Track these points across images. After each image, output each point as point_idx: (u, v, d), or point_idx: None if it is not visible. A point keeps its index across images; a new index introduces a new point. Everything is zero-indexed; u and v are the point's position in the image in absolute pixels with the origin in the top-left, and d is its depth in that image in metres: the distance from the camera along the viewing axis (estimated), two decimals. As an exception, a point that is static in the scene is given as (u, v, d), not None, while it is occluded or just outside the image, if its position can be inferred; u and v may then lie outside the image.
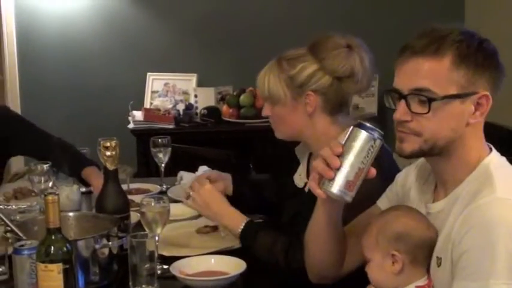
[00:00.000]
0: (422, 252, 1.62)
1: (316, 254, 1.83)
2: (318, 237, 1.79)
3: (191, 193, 2.27)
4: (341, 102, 2.15)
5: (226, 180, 2.47)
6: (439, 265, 1.59)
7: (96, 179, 2.69)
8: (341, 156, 1.54)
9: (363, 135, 1.54)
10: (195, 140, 4.21)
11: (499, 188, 1.51)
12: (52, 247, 1.61)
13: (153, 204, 2.03)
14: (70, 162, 2.76)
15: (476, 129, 1.60)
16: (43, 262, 1.61)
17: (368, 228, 1.69)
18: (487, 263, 1.44)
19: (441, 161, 1.62)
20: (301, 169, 2.31)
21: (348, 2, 4.94)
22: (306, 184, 2.22)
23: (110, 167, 2.09)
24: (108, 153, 2.07)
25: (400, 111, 1.58)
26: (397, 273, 1.63)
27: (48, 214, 1.61)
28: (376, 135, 1.54)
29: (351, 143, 1.55)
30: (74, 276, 1.66)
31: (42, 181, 2.53)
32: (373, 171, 1.57)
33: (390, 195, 1.84)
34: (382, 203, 1.84)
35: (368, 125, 1.55)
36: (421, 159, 1.75)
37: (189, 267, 2.00)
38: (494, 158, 1.61)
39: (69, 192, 2.47)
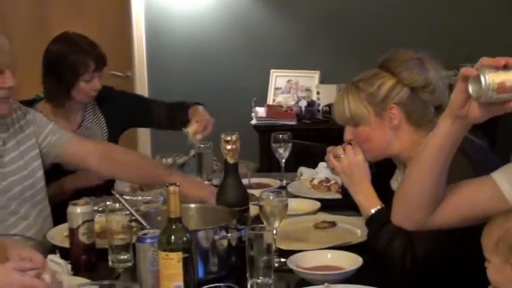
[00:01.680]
0: None
1: (415, 185, 1.78)
2: (425, 163, 1.74)
3: (341, 155, 2.25)
4: (423, 113, 2.14)
5: None
6: None
7: (198, 115, 2.95)
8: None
9: None
10: (316, 136, 4.21)
11: None
12: (173, 236, 1.67)
13: (271, 198, 2.06)
14: (177, 114, 3.01)
15: None
16: (164, 250, 1.67)
17: (489, 228, 1.65)
18: None
19: None
20: (398, 174, 2.29)
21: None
22: None
23: (230, 160, 2.13)
24: (228, 147, 2.11)
25: None
26: None
27: (169, 204, 1.67)
28: None
29: None
30: (193, 265, 1.71)
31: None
32: None
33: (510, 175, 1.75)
34: (500, 178, 1.76)
35: None
36: None
37: (305, 261, 2.01)
38: None
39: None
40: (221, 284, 1.47)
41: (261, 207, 2.07)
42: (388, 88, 2.13)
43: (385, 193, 2.26)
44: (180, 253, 1.66)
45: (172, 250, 1.66)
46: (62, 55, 2.90)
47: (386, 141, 2.18)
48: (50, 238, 2.32)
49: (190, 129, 2.91)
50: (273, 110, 4.60)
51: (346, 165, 2.23)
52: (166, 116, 3.17)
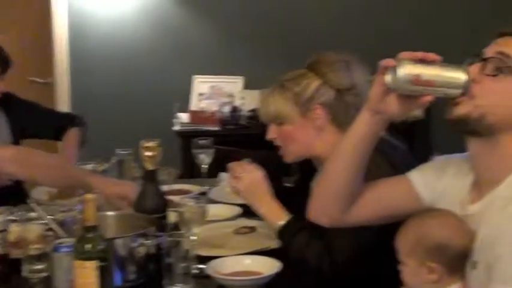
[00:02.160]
0: (460, 262, 1.61)
1: (331, 179, 1.78)
2: (342, 157, 1.74)
3: (241, 174, 2.27)
4: (346, 115, 2.16)
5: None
6: (474, 268, 1.58)
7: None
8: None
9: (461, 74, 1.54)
10: (240, 142, 4.22)
11: None
12: (88, 244, 1.65)
13: (190, 204, 2.06)
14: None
15: None
16: (79, 259, 1.65)
17: (404, 231, 1.68)
18: None
19: (486, 150, 1.59)
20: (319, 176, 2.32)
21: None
22: None
23: (150, 167, 2.12)
24: (147, 153, 2.10)
25: (474, 69, 1.56)
26: (433, 282, 1.62)
27: (85, 212, 1.65)
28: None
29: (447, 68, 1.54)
30: (110, 274, 1.69)
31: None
32: (430, 98, 1.54)
33: (427, 175, 1.78)
34: (415, 177, 1.79)
35: None
36: (462, 156, 1.73)
37: (224, 267, 2.02)
38: None
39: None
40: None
41: (180, 213, 2.06)
42: (314, 89, 2.15)
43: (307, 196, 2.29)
44: (96, 262, 1.64)
45: (87, 259, 1.64)
46: None
47: (309, 141, 2.20)
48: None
49: None
50: (196, 115, 4.59)
51: (248, 184, 2.25)
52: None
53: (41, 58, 5.12)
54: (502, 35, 1.61)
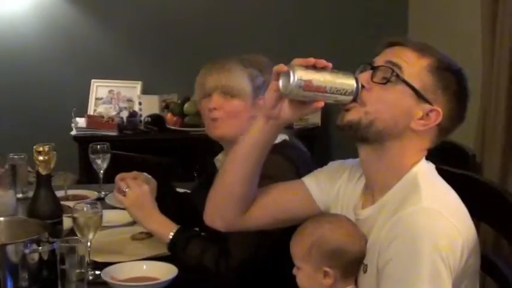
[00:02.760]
0: (355, 266, 1.65)
1: (226, 182, 1.79)
2: (236, 161, 1.76)
3: (126, 190, 2.23)
4: None
5: (153, 185, 2.36)
6: (364, 271, 1.62)
7: None
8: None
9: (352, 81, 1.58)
10: (138, 147, 4.20)
11: (424, 197, 1.53)
12: (-24, 251, 1.59)
13: (85, 209, 2.02)
14: None
15: (418, 139, 1.62)
16: (-33, 266, 1.59)
17: (300, 236, 1.70)
18: (411, 272, 1.46)
19: (374, 157, 1.63)
20: (223, 153, 2.32)
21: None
22: None
23: (43, 171, 2.07)
24: (41, 157, 2.05)
25: (364, 76, 1.61)
26: (328, 286, 1.65)
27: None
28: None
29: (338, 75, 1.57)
30: (0, 281, 1.63)
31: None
32: (322, 104, 1.57)
33: (321, 180, 1.82)
34: (310, 182, 1.83)
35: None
36: (355, 162, 1.77)
37: (121, 273, 1.99)
38: (423, 166, 1.63)
39: (3, 195, 2.44)
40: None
41: (74, 218, 2.03)
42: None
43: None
44: (-15, 269, 1.58)
45: (-24, 266, 1.58)
46: None
47: (244, 125, 2.11)
48: None
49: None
50: (93, 120, 4.52)
51: (134, 198, 2.21)
52: None
53: None
54: (391, 44, 1.67)
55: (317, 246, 1.64)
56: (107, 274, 1.96)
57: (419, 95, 1.58)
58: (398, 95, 1.59)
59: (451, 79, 1.62)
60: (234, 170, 1.77)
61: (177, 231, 2.12)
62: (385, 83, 1.58)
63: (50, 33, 4.84)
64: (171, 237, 2.11)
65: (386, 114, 1.59)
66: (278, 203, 1.83)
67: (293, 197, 1.83)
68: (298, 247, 1.69)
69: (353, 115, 1.60)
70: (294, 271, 1.70)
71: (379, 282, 1.52)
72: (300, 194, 1.82)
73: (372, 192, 1.67)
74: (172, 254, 2.12)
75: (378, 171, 1.65)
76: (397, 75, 1.58)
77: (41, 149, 2.05)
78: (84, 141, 4.30)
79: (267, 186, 1.85)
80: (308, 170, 1.91)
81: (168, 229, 2.13)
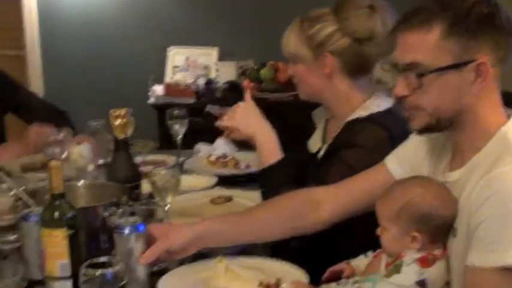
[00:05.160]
0: (444, 231, 1.58)
1: None
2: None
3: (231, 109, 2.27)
4: (361, 66, 2.12)
5: None
6: (454, 235, 1.55)
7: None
8: None
9: None
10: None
11: None
12: (56, 213, 1.60)
13: (163, 172, 2.01)
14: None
15: (486, 97, 1.53)
16: (48, 228, 1.60)
17: (388, 196, 1.64)
18: (506, 233, 1.39)
19: (456, 132, 1.57)
20: (317, 133, 2.29)
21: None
22: (319, 149, 2.23)
23: (120, 136, 2.07)
24: (117, 122, 2.05)
25: (398, 87, 1.55)
26: (415, 249, 1.59)
27: (51, 180, 1.60)
28: None
29: None
30: (79, 242, 1.64)
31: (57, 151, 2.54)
32: None
33: (402, 159, 1.79)
34: (392, 163, 1.81)
35: None
36: None
37: None
38: None
39: (81, 149, 2.46)
40: (100, 258, 1.41)
41: (153, 182, 2.02)
42: (327, 34, 2.10)
43: (302, 157, 2.27)
44: (65, 230, 1.59)
45: (56, 227, 1.59)
46: None
47: (319, 86, 2.16)
48: None
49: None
50: (171, 88, 4.54)
51: (240, 111, 2.24)
52: (43, 116, 3.02)
53: (12, 32, 5.03)
54: (396, 24, 1.56)
55: (406, 210, 1.58)
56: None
57: (456, 66, 1.49)
58: (440, 83, 1.50)
59: (469, 22, 1.49)
60: None
61: (276, 163, 2.13)
62: (420, 87, 1.51)
63: (128, 1, 4.88)
64: (270, 164, 2.13)
65: (445, 104, 1.52)
66: (365, 193, 1.83)
67: (377, 184, 1.79)
68: (385, 208, 1.63)
69: (420, 121, 1.56)
70: (379, 231, 1.65)
71: (470, 245, 1.46)
72: (382, 179, 1.79)
73: (461, 154, 1.60)
74: (260, 177, 2.16)
75: (462, 141, 1.58)
76: (421, 74, 1.50)
77: (117, 113, 2.05)
78: (162, 109, 4.31)
79: (350, 179, 1.86)
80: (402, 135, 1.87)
81: (273, 154, 2.16)
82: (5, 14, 5.03)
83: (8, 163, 2.71)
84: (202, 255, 1.85)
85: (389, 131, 2.01)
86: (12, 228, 1.94)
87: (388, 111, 2.09)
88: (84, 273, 1.35)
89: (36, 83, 4.97)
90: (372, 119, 2.05)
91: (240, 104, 2.25)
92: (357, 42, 2.08)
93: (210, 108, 2.53)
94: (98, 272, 1.34)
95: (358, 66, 2.12)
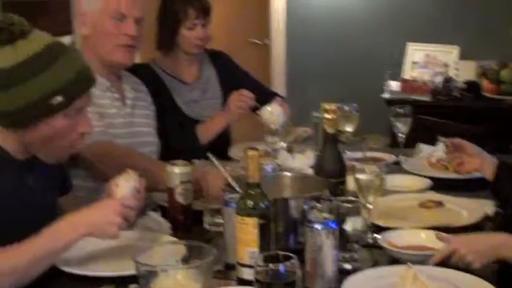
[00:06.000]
0: None
1: None
2: None
3: None
4: None
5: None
6: None
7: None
8: None
9: None
10: (450, 114, 4.06)
11: None
12: (250, 201, 1.64)
13: (366, 170, 1.99)
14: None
15: None
16: (241, 215, 1.65)
17: None
18: None
19: None
20: None
21: None
22: None
23: (329, 130, 2.08)
24: (328, 116, 2.06)
25: None
26: None
27: (248, 169, 1.65)
28: None
29: None
30: (270, 232, 1.67)
31: (276, 141, 2.61)
32: None
33: None
34: None
35: None
36: None
37: (399, 239, 1.93)
38: None
39: (272, 108, 2.49)
40: (279, 252, 1.42)
41: (356, 179, 2.01)
42: None
43: None
44: (256, 219, 1.63)
45: (248, 215, 1.64)
46: (168, 3, 3.07)
47: None
48: (154, 196, 2.35)
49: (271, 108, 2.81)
50: (407, 84, 4.47)
51: None
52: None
53: (259, 20, 5.24)
54: None
55: None
56: (384, 239, 1.91)
57: None
58: None
59: None
60: None
61: None
62: None
63: (371, -5, 4.90)
64: None
65: None
66: None
67: None
68: None
69: None
70: None
71: None
72: None
73: None
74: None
75: None
76: None
77: (327, 107, 2.06)
78: (395, 105, 4.27)
79: None
80: None
81: None
82: (256, 4, 5.25)
83: (234, 146, 2.86)
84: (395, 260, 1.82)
85: None
86: (220, 211, 2.04)
87: None
88: (258, 264, 1.38)
89: (279, 70, 5.15)
90: None
91: None
92: None
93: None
94: (271, 265, 1.35)
95: None
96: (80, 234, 1.71)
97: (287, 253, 1.39)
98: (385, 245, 1.89)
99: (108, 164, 2.28)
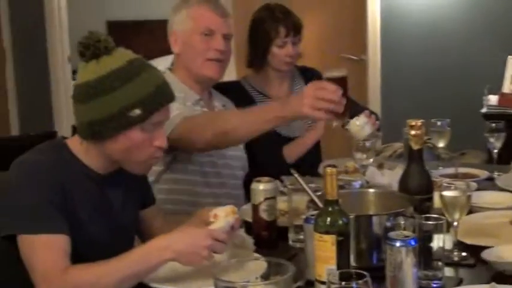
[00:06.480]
0: None
1: None
2: None
3: None
4: None
5: None
6: None
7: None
8: None
9: None
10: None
11: None
12: (328, 218, 1.64)
13: (452, 187, 1.95)
14: None
15: None
16: (319, 232, 1.65)
17: None
18: None
19: None
20: None
21: None
22: None
23: (414, 146, 2.05)
24: (413, 132, 2.03)
25: None
26: None
27: (326, 186, 1.64)
28: None
29: None
30: (348, 249, 1.67)
31: (365, 157, 2.59)
32: None
33: None
34: None
35: None
36: None
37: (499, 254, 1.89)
38: None
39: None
40: (353, 270, 1.41)
41: (441, 196, 1.97)
42: None
43: None
44: (334, 236, 1.62)
45: (326, 232, 1.63)
46: (259, 22, 3.10)
47: None
48: (240, 212, 2.37)
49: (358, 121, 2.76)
50: (506, 98, 4.34)
51: None
52: None
53: (356, 37, 5.22)
54: None
55: None
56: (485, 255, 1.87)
57: None
58: None
59: None
60: None
61: None
62: None
63: (469, 7, 4.80)
64: None
65: None
66: None
67: None
68: None
69: None
70: None
71: None
72: None
73: None
74: None
75: None
76: None
77: (413, 123, 2.03)
78: (493, 119, 4.16)
79: None
80: None
81: None
82: (351, 19, 5.24)
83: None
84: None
85: None
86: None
87: None
88: (330, 281, 1.37)
89: (375, 85, 5.12)
90: None
91: None
92: None
93: None
94: (343, 283, 1.35)
95: None
96: (166, 259, 1.76)
97: (361, 271, 1.38)
98: (492, 259, 1.85)
99: (199, 133, 2.35)
